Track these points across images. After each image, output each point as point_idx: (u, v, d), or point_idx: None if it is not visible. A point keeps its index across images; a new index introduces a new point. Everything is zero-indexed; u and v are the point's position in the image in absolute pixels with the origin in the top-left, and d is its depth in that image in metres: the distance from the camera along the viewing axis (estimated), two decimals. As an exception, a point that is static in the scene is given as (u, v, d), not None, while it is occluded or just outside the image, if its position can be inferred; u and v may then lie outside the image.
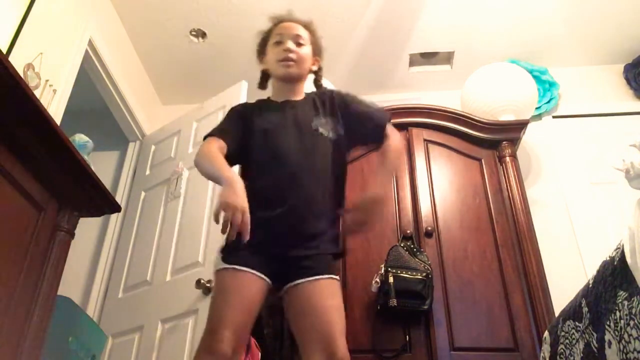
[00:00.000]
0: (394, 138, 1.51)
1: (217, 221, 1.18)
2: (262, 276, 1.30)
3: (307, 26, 1.59)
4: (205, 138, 1.46)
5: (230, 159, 1.39)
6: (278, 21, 1.60)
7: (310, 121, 1.47)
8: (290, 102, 1.54)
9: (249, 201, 1.23)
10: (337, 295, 1.33)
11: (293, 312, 1.33)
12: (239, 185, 1.22)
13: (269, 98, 1.60)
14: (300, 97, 1.57)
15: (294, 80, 1.55)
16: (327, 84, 2.88)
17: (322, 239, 1.37)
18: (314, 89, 1.64)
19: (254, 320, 1.30)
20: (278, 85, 1.59)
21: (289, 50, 1.50)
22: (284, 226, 1.35)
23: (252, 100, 1.66)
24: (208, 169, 1.35)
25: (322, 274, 1.32)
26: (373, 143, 1.59)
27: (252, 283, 1.29)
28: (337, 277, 1.36)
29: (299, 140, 1.44)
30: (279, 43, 1.53)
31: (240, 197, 1.20)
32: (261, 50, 1.63)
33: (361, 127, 1.52)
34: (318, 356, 1.24)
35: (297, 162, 1.40)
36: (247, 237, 1.19)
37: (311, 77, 1.63)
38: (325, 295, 1.31)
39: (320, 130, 1.46)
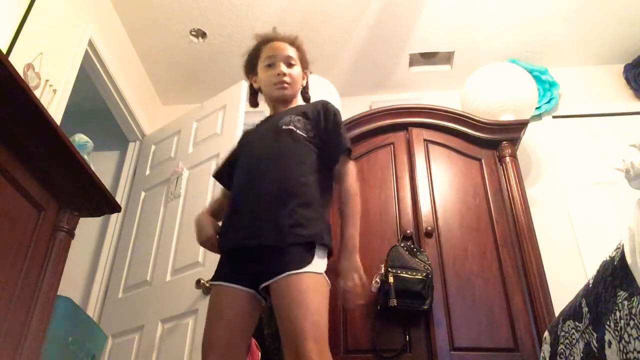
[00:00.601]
0: (349, 179, 1.43)
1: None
2: (236, 286, 1.32)
3: (294, 43, 1.64)
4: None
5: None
6: (266, 40, 1.64)
7: (280, 120, 1.51)
8: (276, 113, 1.60)
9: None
10: (304, 291, 1.21)
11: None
12: (198, 221, 1.51)
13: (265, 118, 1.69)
14: (288, 106, 1.62)
15: (288, 101, 1.62)
16: (327, 84, 2.89)
17: (281, 225, 1.28)
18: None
19: (242, 338, 1.31)
20: (272, 104, 1.65)
21: (283, 74, 1.56)
22: (242, 216, 1.38)
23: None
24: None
25: (289, 270, 1.23)
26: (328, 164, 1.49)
27: (226, 297, 1.32)
28: (311, 270, 1.24)
29: (264, 138, 1.51)
30: (271, 66, 1.59)
31: (200, 234, 1.49)
32: (250, 69, 1.68)
33: (325, 146, 1.49)
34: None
35: (257, 154, 1.47)
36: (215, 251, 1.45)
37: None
38: (290, 294, 1.21)
39: (285, 127, 1.47)
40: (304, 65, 1.66)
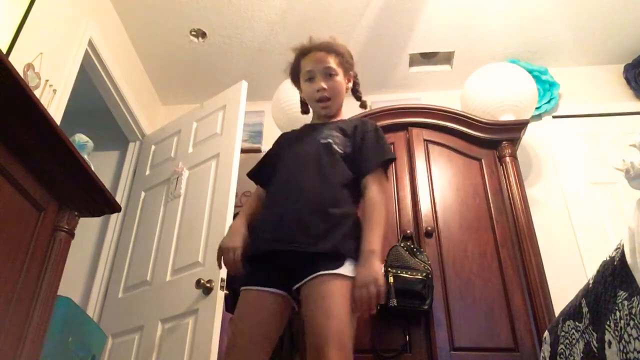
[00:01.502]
0: (375, 188, 1.43)
1: (218, 264, 1.48)
2: (268, 289, 1.33)
3: (332, 49, 1.59)
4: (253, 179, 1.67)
5: None
6: (304, 52, 1.61)
7: (320, 135, 1.52)
8: (323, 124, 1.59)
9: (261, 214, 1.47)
10: (332, 294, 1.22)
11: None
12: (234, 227, 1.48)
13: (306, 124, 1.69)
14: (335, 119, 1.63)
15: (334, 116, 1.63)
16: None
17: (321, 244, 1.30)
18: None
19: (268, 341, 1.30)
20: (317, 116, 1.66)
21: (323, 89, 1.56)
22: (279, 222, 1.37)
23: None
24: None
25: (319, 271, 1.25)
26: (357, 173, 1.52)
27: (256, 300, 1.32)
28: (342, 272, 1.26)
29: (303, 152, 1.51)
30: (310, 80, 1.58)
31: (231, 238, 1.44)
32: (294, 80, 1.68)
33: (357, 156, 1.50)
34: None
35: (298, 166, 1.47)
36: (236, 272, 1.40)
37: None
38: (318, 298, 1.23)
39: (325, 141, 1.49)
40: (347, 68, 1.63)
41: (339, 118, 1.65)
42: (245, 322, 1.30)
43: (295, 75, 1.66)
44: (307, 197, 1.38)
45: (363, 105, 1.74)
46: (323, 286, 1.24)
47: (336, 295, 1.22)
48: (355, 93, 1.71)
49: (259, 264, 1.38)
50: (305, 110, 1.72)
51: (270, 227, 1.37)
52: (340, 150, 1.48)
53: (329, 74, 1.56)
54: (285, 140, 1.65)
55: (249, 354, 1.26)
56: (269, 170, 1.58)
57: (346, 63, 1.61)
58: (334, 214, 1.34)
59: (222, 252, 1.44)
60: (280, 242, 1.32)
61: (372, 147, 1.50)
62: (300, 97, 1.71)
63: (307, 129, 1.63)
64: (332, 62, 1.57)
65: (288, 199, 1.40)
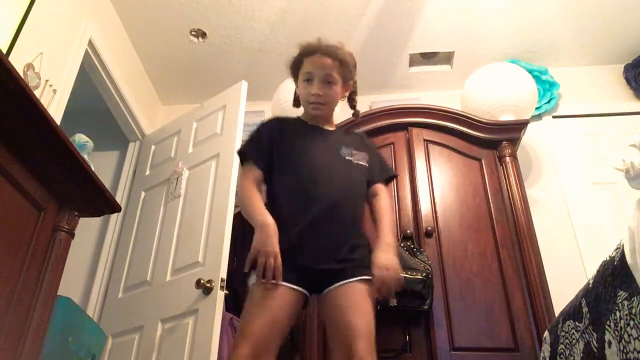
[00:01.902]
0: (388, 198, 1.59)
1: (250, 266, 1.33)
2: (296, 287, 1.35)
3: (337, 57, 1.58)
4: (241, 158, 1.58)
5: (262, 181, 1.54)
6: (309, 52, 1.60)
7: (340, 149, 1.56)
8: (321, 129, 1.62)
9: (278, 217, 1.39)
10: (364, 297, 1.34)
11: (325, 317, 1.38)
12: (272, 229, 1.35)
13: (299, 118, 1.68)
14: (330, 126, 1.66)
15: (323, 118, 1.65)
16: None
17: (352, 256, 1.40)
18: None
19: (282, 332, 1.33)
20: (308, 116, 1.66)
21: (318, 95, 1.56)
22: (325, 245, 1.40)
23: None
24: (246, 208, 1.46)
25: (352, 277, 1.35)
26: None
27: (283, 295, 1.33)
28: (368, 277, 1.37)
29: (334, 166, 1.52)
30: (308, 81, 1.58)
31: (272, 242, 1.33)
32: (294, 75, 1.67)
33: (370, 167, 1.61)
34: (338, 357, 1.28)
35: (335, 187, 1.48)
36: (279, 280, 1.31)
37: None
38: (350, 298, 1.33)
39: (351, 158, 1.56)
40: (347, 78, 1.63)
41: (332, 124, 1.68)
42: (262, 310, 1.31)
43: (295, 70, 1.66)
44: (352, 217, 1.48)
45: (356, 114, 1.74)
46: (352, 288, 1.35)
47: (366, 297, 1.35)
48: (351, 102, 1.71)
49: (290, 262, 1.38)
50: (297, 105, 1.72)
51: (323, 240, 1.40)
52: (363, 164, 1.57)
53: (328, 81, 1.56)
54: (289, 132, 1.60)
55: (261, 340, 1.28)
56: (266, 156, 1.54)
57: (348, 73, 1.61)
58: (363, 235, 1.50)
59: (265, 257, 1.31)
60: (328, 257, 1.39)
61: (383, 161, 1.70)
62: (295, 92, 1.70)
63: (313, 129, 1.61)
64: (334, 70, 1.56)
65: (338, 216, 1.44)
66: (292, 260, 1.36)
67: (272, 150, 1.55)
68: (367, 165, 1.59)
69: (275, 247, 1.32)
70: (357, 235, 1.47)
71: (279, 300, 1.32)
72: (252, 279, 1.36)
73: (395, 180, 2.51)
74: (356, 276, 1.36)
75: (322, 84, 1.56)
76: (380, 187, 1.59)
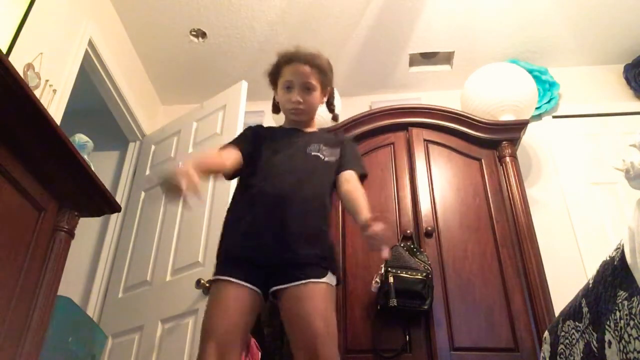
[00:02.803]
0: (356, 180, 1.54)
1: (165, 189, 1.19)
2: (248, 285, 1.35)
3: (315, 64, 1.61)
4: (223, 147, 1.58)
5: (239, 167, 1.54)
6: (287, 60, 1.62)
7: (308, 146, 1.57)
8: (299, 131, 1.65)
9: (238, 211, 1.46)
10: (321, 299, 1.33)
11: (282, 317, 1.38)
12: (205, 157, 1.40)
13: (281, 126, 1.72)
14: (310, 128, 1.68)
15: (304, 124, 1.67)
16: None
17: (308, 251, 1.39)
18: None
19: (244, 327, 1.35)
20: (288, 121, 1.69)
21: (298, 102, 1.59)
22: (271, 239, 1.39)
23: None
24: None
25: (307, 279, 1.33)
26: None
27: (236, 292, 1.35)
28: (327, 281, 1.37)
29: (294, 161, 1.53)
30: (288, 89, 1.60)
31: (183, 169, 1.19)
32: (272, 82, 1.70)
33: (341, 159, 1.61)
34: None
35: (290, 181, 1.48)
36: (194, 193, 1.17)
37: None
38: (307, 301, 1.31)
39: (315, 154, 1.56)
40: (326, 84, 1.65)
41: (313, 127, 1.70)
42: (225, 315, 1.32)
43: (273, 77, 1.68)
44: (305, 211, 1.44)
45: (335, 118, 1.80)
46: (310, 290, 1.33)
47: (324, 299, 1.34)
48: (329, 106, 1.75)
49: (239, 258, 1.41)
50: (276, 111, 1.76)
51: (268, 234, 1.40)
52: (328, 160, 1.57)
53: (307, 88, 1.60)
54: (266, 138, 1.62)
55: (227, 348, 1.29)
56: (249, 146, 1.58)
57: (326, 79, 1.65)
58: (325, 229, 1.48)
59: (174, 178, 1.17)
60: (277, 251, 1.38)
61: (359, 158, 1.67)
62: (274, 99, 1.73)
63: (290, 134, 1.64)
64: (313, 77, 1.59)
65: (286, 209, 1.42)
66: (242, 255, 1.39)
67: (252, 148, 1.58)
68: (337, 160, 1.58)
69: (186, 167, 1.19)
70: (315, 229, 1.44)
71: (231, 297, 1.34)
72: (212, 275, 1.40)
73: (395, 180, 2.51)
74: (310, 278, 1.34)
75: (301, 91, 1.59)
76: (351, 174, 1.54)
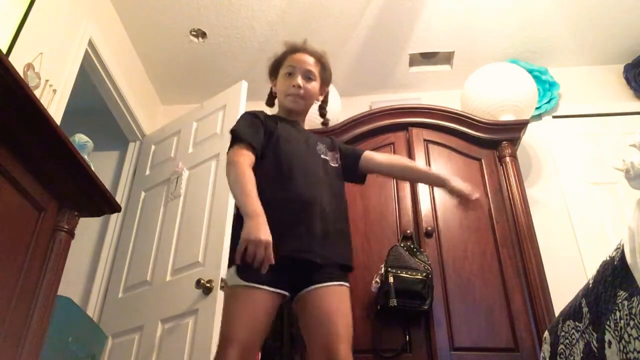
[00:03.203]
0: (379, 154, 1.69)
1: (241, 256, 1.23)
2: (277, 290, 1.34)
3: (320, 59, 1.65)
4: (234, 138, 1.50)
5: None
6: (293, 50, 1.65)
7: (316, 146, 1.59)
8: (298, 126, 1.64)
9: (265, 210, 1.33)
10: (344, 301, 1.37)
11: (302, 318, 1.38)
12: (262, 219, 1.27)
13: (278, 115, 1.68)
14: (305, 125, 1.69)
15: (299, 113, 1.66)
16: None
17: (333, 254, 1.42)
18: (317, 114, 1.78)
19: (265, 331, 1.34)
20: (284, 111, 1.67)
21: (298, 87, 1.58)
22: (300, 240, 1.37)
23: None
24: (238, 192, 1.36)
25: (332, 281, 1.37)
26: (350, 172, 1.66)
27: (265, 300, 1.32)
28: (348, 284, 1.41)
29: (314, 163, 1.54)
30: (290, 75, 1.61)
31: (263, 232, 1.24)
32: (273, 73, 1.70)
33: (346, 162, 1.65)
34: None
35: (317, 183, 1.48)
36: (266, 269, 1.23)
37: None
38: (332, 301, 1.35)
39: (324, 157, 1.58)
40: (325, 82, 1.68)
41: (304, 121, 1.70)
42: (247, 316, 1.30)
43: (275, 67, 1.68)
44: (331, 214, 1.46)
45: (325, 123, 1.81)
46: (334, 292, 1.37)
47: (346, 301, 1.38)
48: (321, 110, 1.76)
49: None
50: (270, 103, 1.75)
51: (303, 236, 1.38)
52: (335, 165, 1.60)
53: (309, 77, 1.61)
54: (275, 123, 1.58)
55: (248, 345, 1.28)
56: (260, 144, 1.51)
57: (326, 77, 1.68)
58: (346, 234, 1.52)
59: (255, 246, 1.22)
60: (311, 253, 1.37)
61: (350, 148, 1.74)
62: (271, 90, 1.72)
63: (293, 125, 1.61)
64: (315, 69, 1.63)
65: (313, 213, 1.41)
66: (275, 252, 1.32)
67: (264, 139, 1.52)
68: (338, 165, 1.61)
69: (268, 236, 1.24)
70: (341, 231, 1.48)
71: (261, 304, 1.32)
72: (234, 279, 1.34)
73: (395, 180, 2.51)
74: (335, 280, 1.38)
75: (303, 79, 1.60)
76: (368, 152, 1.66)
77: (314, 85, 1.62)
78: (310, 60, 1.62)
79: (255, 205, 1.30)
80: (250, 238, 1.23)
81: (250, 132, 1.51)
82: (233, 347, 1.25)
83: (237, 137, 1.50)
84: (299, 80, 1.58)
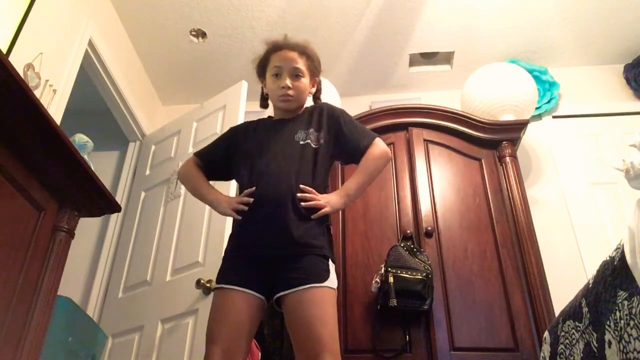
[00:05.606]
0: (376, 148, 1.58)
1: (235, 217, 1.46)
2: (250, 292, 1.37)
3: (304, 52, 1.62)
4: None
5: (208, 174, 1.65)
6: (276, 48, 1.63)
7: (295, 134, 1.55)
8: (283, 120, 1.63)
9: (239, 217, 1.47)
10: (322, 304, 1.32)
11: (286, 322, 1.38)
12: (218, 196, 1.55)
13: (269, 116, 1.71)
14: (297, 114, 1.65)
15: (294, 110, 1.64)
16: (327, 84, 2.89)
17: (302, 238, 1.39)
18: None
19: (248, 334, 1.36)
20: (279, 111, 1.67)
21: (288, 87, 1.57)
22: (264, 230, 1.40)
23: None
24: (196, 189, 1.64)
25: (308, 284, 1.33)
26: (348, 162, 1.67)
27: (238, 300, 1.36)
28: (327, 285, 1.35)
29: (280, 151, 1.52)
30: (277, 76, 1.60)
31: (223, 204, 1.50)
32: (260, 73, 1.69)
33: (340, 146, 1.59)
34: None
35: (275, 169, 1.47)
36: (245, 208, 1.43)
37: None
38: (309, 306, 1.31)
39: (303, 141, 1.53)
40: (314, 73, 1.65)
41: (303, 112, 1.67)
42: (228, 323, 1.34)
43: (261, 68, 1.67)
44: (288, 203, 1.42)
45: None
46: (312, 295, 1.33)
47: (327, 304, 1.33)
48: (316, 101, 1.73)
49: (241, 264, 1.42)
50: (264, 105, 1.74)
51: (257, 232, 1.42)
52: (314, 146, 1.53)
53: (296, 75, 1.59)
54: (255, 131, 1.63)
55: (231, 354, 1.31)
56: (214, 156, 1.66)
57: (314, 68, 1.65)
58: (316, 224, 1.45)
59: (225, 214, 1.51)
60: (279, 249, 1.38)
61: (355, 129, 1.62)
62: (262, 91, 1.71)
63: (275, 126, 1.62)
64: (301, 63, 1.60)
65: (274, 205, 1.42)
66: (246, 254, 1.41)
67: (226, 151, 1.63)
68: (328, 139, 1.56)
69: (228, 201, 1.50)
70: (307, 222, 1.42)
71: (236, 305, 1.35)
72: (215, 284, 1.42)
73: (395, 180, 2.51)
74: (312, 282, 1.33)
75: (291, 77, 1.58)
76: (369, 153, 1.56)
77: (304, 82, 1.60)
78: (294, 56, 1.59)
79: (213, 194, 1.57)
80: (223, 210, 1.49)
81: (206, 149, 1.70)
82: (215, 346, 1.30)
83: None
84: (287, 82, 1.57)
